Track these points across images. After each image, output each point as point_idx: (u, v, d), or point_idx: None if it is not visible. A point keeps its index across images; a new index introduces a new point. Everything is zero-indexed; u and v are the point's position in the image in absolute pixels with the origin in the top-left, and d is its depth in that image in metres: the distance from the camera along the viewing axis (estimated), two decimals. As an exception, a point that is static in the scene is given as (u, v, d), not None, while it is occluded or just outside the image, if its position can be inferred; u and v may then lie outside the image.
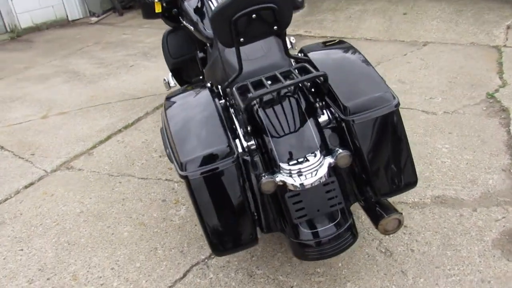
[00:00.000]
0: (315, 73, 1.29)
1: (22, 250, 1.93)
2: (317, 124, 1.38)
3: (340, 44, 1.66)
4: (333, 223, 1.33)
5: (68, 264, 1.81)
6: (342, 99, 1.35)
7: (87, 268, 1.77)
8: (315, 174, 1.28)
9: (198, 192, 1.28)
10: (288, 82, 1.26)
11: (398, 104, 1.34)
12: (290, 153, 1.31)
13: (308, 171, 1.28)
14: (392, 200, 1.46)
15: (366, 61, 1.50)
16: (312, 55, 1.55)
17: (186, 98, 1.50)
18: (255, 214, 1.36)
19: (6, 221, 2.15)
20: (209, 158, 1.27)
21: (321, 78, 1.30)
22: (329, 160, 1.31)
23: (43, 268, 1.80)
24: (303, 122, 1.36)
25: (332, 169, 1.33)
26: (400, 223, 1.38)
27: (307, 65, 1.38)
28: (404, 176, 1.37)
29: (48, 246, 1.93)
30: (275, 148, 1.32)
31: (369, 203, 1.43)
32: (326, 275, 1.60)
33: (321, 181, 1.29)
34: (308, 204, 1.31)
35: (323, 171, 1.29)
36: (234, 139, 1.34)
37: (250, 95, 1.25)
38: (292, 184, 1.27)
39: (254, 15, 1.26)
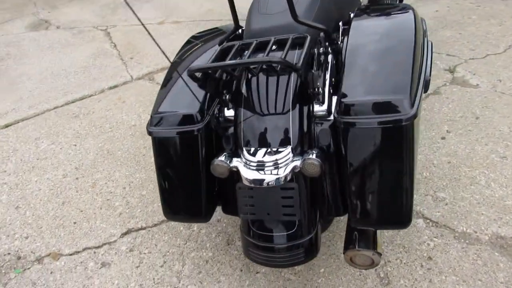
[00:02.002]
0: (283, 61, 0.91)
1: (75, 145, 2.16)
2: (304, 115, 1.06)
3: (404, 12, 1.21)
4: (285, 233, 1.08)
5: (96, 171, 1.96)
6: (343, 90, 1.00)
7: (106, 180, 1.90)
8: (272, 173, 1.02)
9: (158, 152, 1.17)
10: (247, 60, 0.95)
11: (413, 117, 0.93)
12: (257, 139, 1.06)
13: (267, 166, 1.02)
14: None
15: (411, 46, 1.07)
16: (355, 23, 1.19)
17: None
18: (216, 190, 1.20)
19: (80, 115, 2.42)
20: (175, 120, 1.12)
21: (293, 68, 0.94)
22: (296, 163, 1.02)
23: (78, 168, 2.00)
24: (286, 108, 1.06)
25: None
26: (373, 263, 1.05)
27: (308, 38, 1.03)
28: (392, 211, 0.99)
29: (93, 149, 2.11)
30: (244, 128, 1.08)
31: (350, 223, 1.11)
32: (300, 275, 1.38)
33: (278, 183, 1.02)
34: (259, 203, 1.07)
35: (282, 172, 1.01)
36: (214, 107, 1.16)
37: (195, 65, 0.99)
38: (243, 176, 1.04)
39: None
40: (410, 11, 1.23)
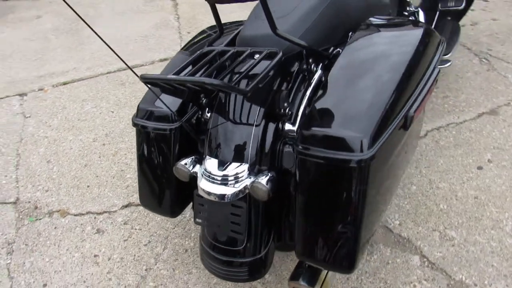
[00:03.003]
0: (223, 85, 0.83)
1: (112, 112, 2.31)
2: (268, 132, 1.01)
3: (413, 29, 1.08)
4: (230, 248, 1.06)
5: (122, 140, 2.08)
6: (307, 116, 0.94)
7: (126, 151, 2.01)
8: (223, 188, 0.99)
9: (138, 142, 1.21)
10: (185, 78, 0.89)
11: (368, 160, 0.84)
12: (220, 150, 1.03)
13: (219, 180, 1.00)
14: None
15: (400, 71, 0.96)
16: (353, 38, 1.09)
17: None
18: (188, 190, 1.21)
19: (126, 84, 2.56)
20: (154, 116, 1.15)
21: (239, 92, 0.87)
22: (248, 182, 0.98)
23: (108, 134, 2.13)
24: (251, 121, 1.01)
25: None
26: (312, 297, 1.00)
27: (278, 55, 0.95)
28: (333, 253, 0.92)
29: (126, 119, 2.23)
30: (210, 135, 1.06)
31: None
32: (267, 286, 1.35)
33: (227, 199, 0.99)
34: (210, 213, 1.06)
35: (231, 189, 0.98)
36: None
37: (146, 74, 0.95)
38: (198, 184, 1.04)
39: None
40: (421, 28, 1.09)
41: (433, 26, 2.18)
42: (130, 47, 3.00)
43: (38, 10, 3.75)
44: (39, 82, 2.64)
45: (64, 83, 2.63)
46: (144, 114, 1.17)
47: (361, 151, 0.85)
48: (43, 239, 1.60)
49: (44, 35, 3.27)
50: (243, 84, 0.97)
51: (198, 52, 1.08)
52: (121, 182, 1.82)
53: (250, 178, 0.98)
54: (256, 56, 1.00)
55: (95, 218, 1.67)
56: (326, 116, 0.91)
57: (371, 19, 1.24)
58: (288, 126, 1.02)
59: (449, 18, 2.23)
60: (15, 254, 1.55)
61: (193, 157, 1.10)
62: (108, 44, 0.90)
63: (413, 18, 2.00)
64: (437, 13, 2.19)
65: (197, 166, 1.07)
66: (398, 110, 0.94)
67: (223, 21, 1.13)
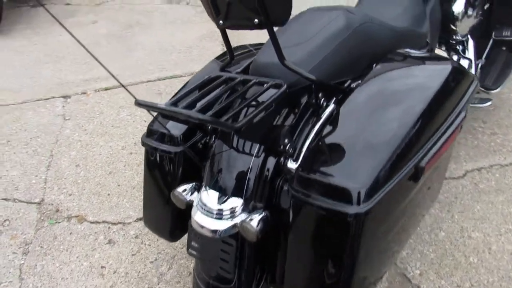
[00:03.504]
0: (210, 120, 0.79)
1: (145, 121, 2.34)
2: (267, 167, 0.95)
3: (439, 66, 0.97)
4: (220, 284, 1.01)
5: (148, 150, 2.10)
6: (307, 157, 0.87)
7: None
8: (214, 222, 0.94)
9: (145, 162, 1.20)
10: (173, 109, 0.85)
11: (362, 214, 0.76)
12: (218, 180, 0.99)
13: (212, 213, 0.95)
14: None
15: (414, 115, 0.87)
16: (377, 69, 1.01)
17: None
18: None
19: (163, 93, 2.61)
20: (161, 137, 1.13)
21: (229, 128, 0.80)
22: (239, 219, 0.92)
23: (136, 143, 2.16)
24: (252, 153, 0.95)
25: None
26: None
27: (282, 88, 0.88)
28: None
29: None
30: (211, 163, 1.02)
31: None
32: None
33: (216, 235, 0.94)
34: (202, 246, 1.02)
35: (223, 225, 0.93)
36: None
37: (140, 100, 0.90)
38: (191, 214, 1.00)
39: None
40: (448, 66, 0.98)
41: (484, 56, 2.00)
42: (173, 56, 3.06)
43: (96, 15, 3.94)
44: (84, 86, 2.75)
45: (106, 89, 2.72)
46: (153, 134, 1.15)
47: (358, 203, 0.77)
48: (57, 243, 1.64)
49: (97, 40, 3.42)
50: (237, 117, 0.92)
51: (207, 77, 1.04)
52: (140, 194, 1.83)
53: (243, 215, 0.93)
54: (265, 85, 0.94)
55: (109, 228, 1.69)
56: (324, 160, 0.83)
57: (398, 51, 1.15)
58: (290, 163, 0.95)
59: (503, 48, 2.04)
60: (29, 255, 1.59)
61: (193, 183, 1.06)
62: (86, 47, 0.88)
63: (461, 47, 1.85)
64: (490, 42, 2.01)
65: (195, 193, 1.03)
66: (407, 159, 0.85)
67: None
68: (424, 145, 0.90)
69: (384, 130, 0.86)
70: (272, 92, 0.89)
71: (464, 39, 1.83)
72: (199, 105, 0.89)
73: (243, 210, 0.93)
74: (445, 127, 0.94)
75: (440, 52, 1.89)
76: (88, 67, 2.99)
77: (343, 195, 0.78)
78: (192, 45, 3.20)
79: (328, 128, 0.91)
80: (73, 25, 3.75)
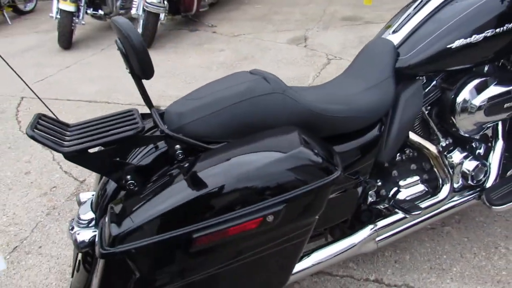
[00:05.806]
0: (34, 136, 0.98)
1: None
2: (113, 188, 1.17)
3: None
4: None
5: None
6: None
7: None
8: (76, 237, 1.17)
9: None
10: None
11: (110, 255, 0.96)
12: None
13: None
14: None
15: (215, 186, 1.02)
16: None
17: None
18: None
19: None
20: None
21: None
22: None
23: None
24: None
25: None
26: None
27: (121, 135, 1.05)
28: None
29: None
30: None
31: None
32: None
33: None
34: None
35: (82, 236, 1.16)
36: None
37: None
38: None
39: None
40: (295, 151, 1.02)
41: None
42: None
43: (227, 45, 4.57)
44: (174, 101, 3.31)
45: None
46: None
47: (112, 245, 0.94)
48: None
49: (211, 65, 4.01)
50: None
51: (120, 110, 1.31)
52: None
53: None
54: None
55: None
56: (121, 213, 1.01)
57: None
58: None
59: None
60: (50, 216, 2.13)
61: None
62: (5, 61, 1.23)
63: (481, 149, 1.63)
64: None
65: None
66: (174, 225, 0.96)
67: None
68: (208, 217, 0.97)
69: (169, 194, 0.99)
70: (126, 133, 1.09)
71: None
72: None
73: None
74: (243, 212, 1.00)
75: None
76: (189, 87, 3.55)
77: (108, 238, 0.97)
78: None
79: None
80: (205, 50, 4.45)
